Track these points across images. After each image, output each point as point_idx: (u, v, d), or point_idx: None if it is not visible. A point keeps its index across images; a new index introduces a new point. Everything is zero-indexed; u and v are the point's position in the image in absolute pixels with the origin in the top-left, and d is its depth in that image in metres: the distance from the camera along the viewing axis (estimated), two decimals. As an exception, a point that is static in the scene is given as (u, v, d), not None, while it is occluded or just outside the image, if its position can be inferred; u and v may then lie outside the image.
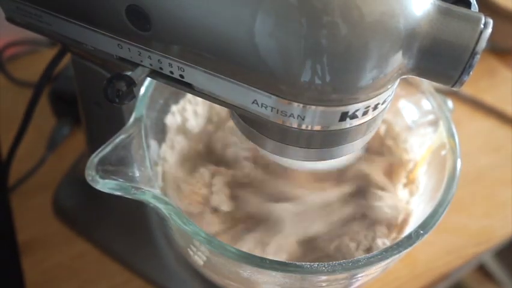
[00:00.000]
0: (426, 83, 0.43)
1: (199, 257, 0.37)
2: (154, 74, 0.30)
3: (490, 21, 0.24)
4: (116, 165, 0.34)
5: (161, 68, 0.30)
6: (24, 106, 0.47)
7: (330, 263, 0.31)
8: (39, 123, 0.47)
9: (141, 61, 0.30)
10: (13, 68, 0.73)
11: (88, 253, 0.56)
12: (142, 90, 0.40)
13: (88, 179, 0.33)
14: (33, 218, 0.59)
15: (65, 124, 0.65)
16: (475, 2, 0.26)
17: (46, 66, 0.42)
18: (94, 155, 0.33)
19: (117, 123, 0.39)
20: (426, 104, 0.43)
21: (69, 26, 0.32)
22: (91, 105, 0.42)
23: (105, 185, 0.33)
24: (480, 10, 0.26)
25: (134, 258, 0.54)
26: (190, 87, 0.30)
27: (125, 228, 0.53)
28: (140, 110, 0.38)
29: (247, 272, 0.34)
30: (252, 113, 0.28)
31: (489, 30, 0.24)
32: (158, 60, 0.29)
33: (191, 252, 0.38)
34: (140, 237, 0.52)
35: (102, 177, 0.33)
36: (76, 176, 0.59)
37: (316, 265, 0.31)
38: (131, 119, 0.37)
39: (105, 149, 0.34)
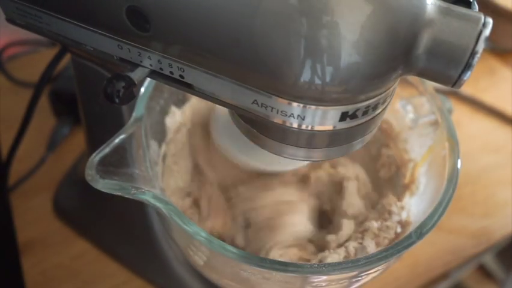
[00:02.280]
0: (426, 83, 0.43)
1: (199, 257, 0.37)
2: (154, 74, 0.30)
3: (490, 21, 0.24)
4: (116, 165, 0.34)
5: (161, 69, 0.30)
6: (24, 106, 0.47)
7: (330, 263, 0.31)
8: (39, 123, 0.47)
9: (141, 61, 0.30)
10: (13, 68, 0.73)
11: (88, 253, 0.56)
12: (142, 90, 0.40)
13: (88, 178, 0.32)
14: (33, 218, 0.59)
15: (64, 124, 0.65)
16: (475, 2, 0.26)
17: (46, 67, 0.42)
18: (94, 154, 0.33)
19: (117, 123, 0.40)
20: (426, 104, 0.43)
21: (69, 27, 0.32)
22: (91, 105, 0.42)
23: (105, 185, 0.33)
24: (480, 10, 0.26)
25: (134, 258, 0.54)
26: (190, 88, 0.30)
27: (125, 228, 0.53)
28: (140, 109, 0.38)
29: (247, 272, 0.34)
30: (252, 113, 0.28)
31: (488, 30, 0.24)
32: (158, 61, 0.29)
33: (191, 252, 0.38)
34: (140, 237, 0.52)
35: (102, 177, 0.33)
36: (77, 176, 0.59)
37: (316, 265, 0.31)
38: (131, 119, 0.37)
39: (105, 149, 0.34)
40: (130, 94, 0.28)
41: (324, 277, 0.33)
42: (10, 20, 0.35)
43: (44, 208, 0.59)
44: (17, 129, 0.49)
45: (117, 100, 0.28)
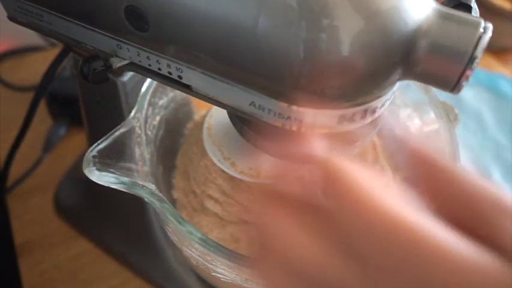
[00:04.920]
0: (432, 91, 0.43)
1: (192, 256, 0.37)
2: (152, 74, 0.31)
3: (490, 26, 0.24)
4: (114, 159, 0.34)
5: (159, 69, 0.30)
6: (16, 108, 0.46)
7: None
8: (35, 124, 0.47)
9: (140, 61, 0.30)
10: (2, 71, 0.72)
11: (86, 254, 0.56)
12: (144, 86, 0.40)
13: (85, 170, 0.33)
14: (30, 220, 0.58)
15: (61, 125, 0.65)
16: (475, 7, 0.26)
17: (47, 68, 0.41)
18: (92, 146, 0.33)
19: (117, 121, 0.40)
20: (431, 112, 0.43)
21: (69, 26, 0.32)
22: (92, 104, 0.42)
23: (101, 177, 0.33)
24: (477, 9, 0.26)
25: (134, 258, 0.54)
26: (188, 88, 0.30)
27: (125, 228, 0.53)
28: (141, 105, 0.38)
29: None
30: (250, 115, 0.28)
31: (488, 35, 0.24)
32: (157, 61, 0.29)
33: (184, 249, 0.38)
34: (140, 237, 0.52)
35: (99, 170, 0.33)
36: (77, 175, 0.59)
37: None
38: (131, 114, 0.37)
39: (104, 142, 0.34)
40: (103, 75, 0.31)
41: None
42: (12, 18, 0.35)
43: (42, 209, 0.59)
44: (18, 131, 0.48)
45: (89, 78, 0.31)
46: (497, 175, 0.72)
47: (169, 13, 0.26)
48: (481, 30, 0.24)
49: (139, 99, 0.39)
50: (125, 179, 0.33)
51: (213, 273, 0.37)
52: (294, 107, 0.26)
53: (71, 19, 0.31)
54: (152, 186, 0.34)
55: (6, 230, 0.55)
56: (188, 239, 0.33)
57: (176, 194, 0.47)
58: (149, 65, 0.30)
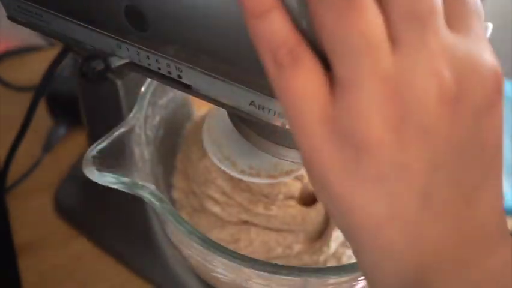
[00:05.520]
0: None
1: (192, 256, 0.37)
2: (152, 74, 0.31)
3: (490, 25, 0.24)
4: (114, 158, 0.34)
5: (159, 68, 0.30)
6: (15, 108, 0.46)
7: (330, 267, 0.31)
8: (35, 125, 0.47)
9: (139, 61, 0.30)
10: (1, 71, 0.72)
11: (86, 254, 0.56)
12: (144, 86, 0.40)
13: (85, 170, 0.32)
14: (30, 220, 0.58)
15: (61, 125, 0.65)
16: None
17: (47, 69, 0.41)
18: (92, 146, 0.33)
19: (117, 121, 0.40)
20: None
21: (69, 25, 0.32)
22: (92, 104, 0.42)
23: (101, 177, 0.32)
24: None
25: (134, 258, 0.54)
26: (188, 88, 0.30)
27: (125, 228, 0.53)
28: (141, 105, 0.38)
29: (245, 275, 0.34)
30: (250, 116, 0.28)
31: (488, 34, 0.24)
32: (157, 61, 0.29)
33: (184, 249, 0.38)
34: (140, 236, 0.52)
35: (99, 170, 0.33)
36: (78, 175, 0.59)
37: (317, 269, 0.31)
38: (131, 114, 0.37)
39: (104, 141, 0.34)
40: (102, 75, 0.31)
41: (333, 280, 0.32)
42: (12, 18, 0.35)
43: (42, 209, 0.59)
44: (17, 131, 0.48)
45: (89, 77, 0.31)
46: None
47: (169, 13, 0.26)
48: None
49: (139, 99, 0.39)
50: (125, 179, 0.33)
51: (213, 274, 0.37)
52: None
53: (71, 19, 0.31)
54: (152, 186, 0.34)
55: (6, 230, 0.54)
56: (188, 239, 0.32)
57: (176, 194, 0.47)
58: (149, 65, 0.30)
